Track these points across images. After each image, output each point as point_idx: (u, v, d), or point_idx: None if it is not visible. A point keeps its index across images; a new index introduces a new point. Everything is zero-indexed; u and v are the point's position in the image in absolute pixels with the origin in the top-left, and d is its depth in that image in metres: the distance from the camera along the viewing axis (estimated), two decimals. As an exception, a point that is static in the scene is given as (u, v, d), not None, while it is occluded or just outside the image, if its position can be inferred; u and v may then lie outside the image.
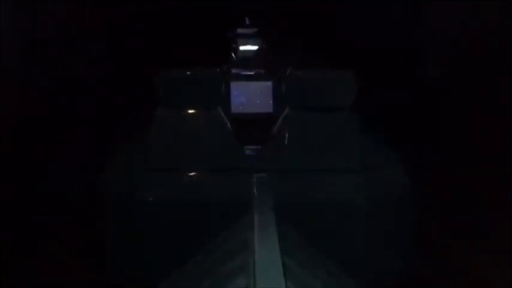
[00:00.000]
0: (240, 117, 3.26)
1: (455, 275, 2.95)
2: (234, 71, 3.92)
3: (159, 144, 2.49)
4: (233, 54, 4.91)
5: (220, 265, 1.52)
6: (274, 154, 2.53)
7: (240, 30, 5.68)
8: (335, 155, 2.48)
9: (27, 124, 3.38)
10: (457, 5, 3.59)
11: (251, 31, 5.64)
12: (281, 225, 1.58)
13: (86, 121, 4.09)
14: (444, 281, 2.91)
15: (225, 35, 5.53)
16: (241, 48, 5.00)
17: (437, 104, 3.88)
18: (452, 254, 3.14)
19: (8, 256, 2.88)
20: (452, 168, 3.56)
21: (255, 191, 2.24)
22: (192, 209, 2.35)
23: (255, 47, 5.03)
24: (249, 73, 3.76)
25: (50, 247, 3.17)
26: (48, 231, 3.23)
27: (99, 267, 2.54)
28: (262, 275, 1.29)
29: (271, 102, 3.43)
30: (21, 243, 3.09)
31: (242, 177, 2.39)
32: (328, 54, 4.97)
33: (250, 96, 3.45)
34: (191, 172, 2.48)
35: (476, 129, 3.46)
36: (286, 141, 2.53)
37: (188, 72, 2.55)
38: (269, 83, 3.46)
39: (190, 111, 2.53)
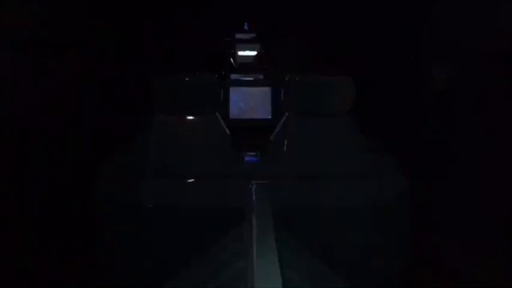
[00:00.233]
0: (239, 123, 3.26)
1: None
2: (232, 76, 3.92)
3: (156, 150, 2.48)
4: (232, 60, 4.92)
5: (218, 273, 1.51)
6: (273, 160, 2.52)
7: (238, 36, 5.68)
8: (334, 161, 2.47)
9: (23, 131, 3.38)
10: (463, 6, 3.59)
11: (250, 36, 5.64)
12: (280, 232, 1.57)
13: (84, 125, 4.08)
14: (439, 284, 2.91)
15: (224, 39, 5.53)
16: (240, 53, 5.00)
17: (438, 108, 3.87)
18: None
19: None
20: (455, 174, 3.56)
21: (253, 198, 2.22)
22: (189, 216, 2.34)
23: (253, 53, 5.04)
24: (247, 78, 3.76)
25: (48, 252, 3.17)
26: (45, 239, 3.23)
27: (96, 274, 2.53)
28: (260, 283, 1.28)
29: (269, 108, 3.43)
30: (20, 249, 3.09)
31: (240, 184, 2.37)
32: (328, 59, 4.97)
33: (249, 102, 3.45)
34: (189, 178, 2.47)
35: (481, 134, 3.45)
36: (285, 147, 2.52)
37: (186, 78, 2.54)
38: (267, 89, 3.47)
39: (188, 116, 2.52)
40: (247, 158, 2.60)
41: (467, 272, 2.97)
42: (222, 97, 2.64)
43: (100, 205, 2.45)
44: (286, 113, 2.52)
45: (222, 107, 2.94)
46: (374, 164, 2.52)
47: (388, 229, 2.45)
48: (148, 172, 2.42)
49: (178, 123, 2.49)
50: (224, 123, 2.53)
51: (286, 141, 2.49)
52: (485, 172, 3.40)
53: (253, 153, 2.64)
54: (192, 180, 2.44)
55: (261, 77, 3.84)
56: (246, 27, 5.86)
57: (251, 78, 3.76)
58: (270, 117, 3.40)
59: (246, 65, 4.68)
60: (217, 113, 2.51)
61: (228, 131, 2.51)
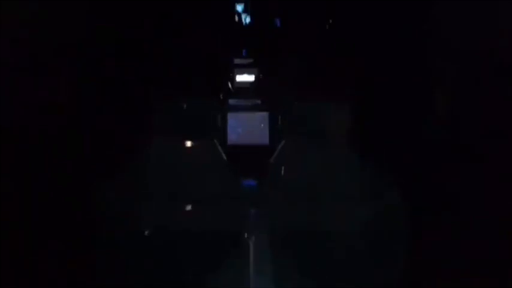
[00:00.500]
0: (236, 149, 3.30)
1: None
2: (230, 101, 3.95)
3: (154, 175, 2.51)
4: (230, 84, 4.95)
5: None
6: (271, 185, 2.56)
7: (236, 60, 5.71)
8: (333, 185, 2.50)
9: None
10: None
11: (248, 61, 5.67)
12: (277, 255, 1.58)
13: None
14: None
15: (222, 64, 5.56)
16: (238, 78, 5.03)
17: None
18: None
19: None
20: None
21: (251, 222, 2.25)
22: (187, 240, 2.35)
23: (251, 77, 5.06)
24: (245, 103, 3.80)
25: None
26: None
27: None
28: None
29: (267, 133, 3.48)
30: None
31: (238, 209, 2.40)
32: (325, 85, 4.98)
33: (247, 127, 3.51)
34: (187, 203, 2.50)
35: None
36: (283, 172, 2.56)
37: (184, 103, 2.58)
38: (265, 114, 3.52)
39: (186, 141, 2.56)
40: (245, 183, 2.64)
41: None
42: (220, 123, 2.70)
43: (100, 229, 2.47)
44: (284, 139, 2.56)
45: (220, 132, 3.00)
46: (372, 187, 2.54)
47: (386, 251, 2.47)
48: (145, 196, 2.44)
49: (176, 148, 2.53)
50: (222, 148, 2.57)
51: (284, 167, 2.52)
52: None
53: (251, 179, 2.68)
54: (190, 205, 2.46)
55: (258, 101, 3.89)
56: (244, 53, 5.91)
57: (249, 103, 3.81)
58: (267, 143, 3.44)
59: (244, 90, 4.73)
60: (215, 140, 2.56)
61: (225, 157, 2.55)
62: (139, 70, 4.59)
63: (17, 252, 3.05)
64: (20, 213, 3.25)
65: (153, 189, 2.45)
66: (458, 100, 3.74)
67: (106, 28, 4.58)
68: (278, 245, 1.68)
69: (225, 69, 5.27)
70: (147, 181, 2.46)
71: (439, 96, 4.01)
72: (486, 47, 3.47)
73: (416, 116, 4.09)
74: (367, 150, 2.68)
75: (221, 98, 4.00)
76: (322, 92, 4.52)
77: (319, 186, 2.43)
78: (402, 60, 4.34)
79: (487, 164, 3.38)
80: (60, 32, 3.86)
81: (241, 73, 5.08)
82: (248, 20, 5.69)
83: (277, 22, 5.69)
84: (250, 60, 5.69)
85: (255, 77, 5.05)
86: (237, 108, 3.65)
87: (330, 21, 5.26)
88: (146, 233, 2.36)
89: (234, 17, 5.61)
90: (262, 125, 3.45)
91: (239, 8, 5.65)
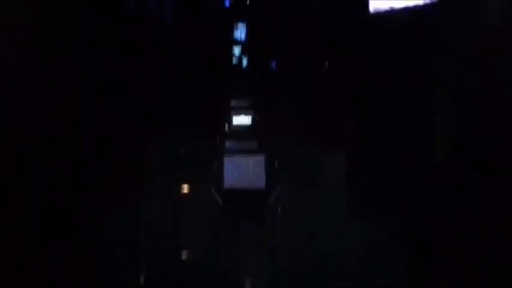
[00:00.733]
0: (233, 193, 3.32)
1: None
2: (227, 144, 3.97)
3: (151, 221, 2.54)
4: (226, 127, 4.98)
5: None
6: (267, 230, 2.59)
7: (233, 103, 5.74)
8: (327, 234, 2.54)
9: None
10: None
11: (244, 104, 5.71)
12: None
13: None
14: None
15: (218, 107, 5.59)
16: (235, 121, 5.06)
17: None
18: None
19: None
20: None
21: (248, 266, 2.28)
22: (184, 285, 2.38)
23: (248, 120, 5.08)
24: (241, 146, 3.82)
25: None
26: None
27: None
28: None
29: (263, 177, 3.49)
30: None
31: (235, 252, 2.43)
32: (322, 130, 4.97)
33: (243, 171, 3.52)
34: (183, 248, 2.53)
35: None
36: (278, 218, 2.60)
37: (181, 149, 2.63)
38: (261, 157, 3.53)
39: (183, 186, 2.60)
40: (242, 227, 2.67)
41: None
42: (216, 167, 2.73)
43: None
44: (280, 185, 2.59)
45: (216, 176, 3.03)
46: (365, 231, 2.58)
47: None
48: (142, 241, 2.47)
49: (173, 193, 2.56)
50: (218, 192, 2.60)
51: (280, 210, 2.56)
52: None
53: (248, 222, 2.70)
54: (186, 249, 2.49)
55: (254, 144, 3.90)
56: (240, 97, 5.96)
57: (245, 146, 3.83)
58: (263, 187, 3.45)
59: (241, 133, 4.76)
60: (211, 185, 2.59)
61: (221, 201, 2.58)
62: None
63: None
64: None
65: (149, 233, 2.49)
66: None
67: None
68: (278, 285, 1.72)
69: (222, 111, 5.31)
70: (143, 228, 2.50)
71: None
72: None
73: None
74: (362, 197, 2.73)
75: (218, 140, 4.03)
76: (318, 138, 4.52)
77: (315, 231, 2.49)
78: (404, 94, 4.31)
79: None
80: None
81: (238, 114, 5.13)
82: (245, 62, 5.73)
83: (274, 65, 5.74)
84: (247, 103, 5.74)
85: (252, 119, 5.09)
86: (233, 151, 3.67)
87: (327, 63, 5.26)
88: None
89: (232, 60, 5.65)
90: (258, 169, 3.48)
91: (236, 50, 5.68)
